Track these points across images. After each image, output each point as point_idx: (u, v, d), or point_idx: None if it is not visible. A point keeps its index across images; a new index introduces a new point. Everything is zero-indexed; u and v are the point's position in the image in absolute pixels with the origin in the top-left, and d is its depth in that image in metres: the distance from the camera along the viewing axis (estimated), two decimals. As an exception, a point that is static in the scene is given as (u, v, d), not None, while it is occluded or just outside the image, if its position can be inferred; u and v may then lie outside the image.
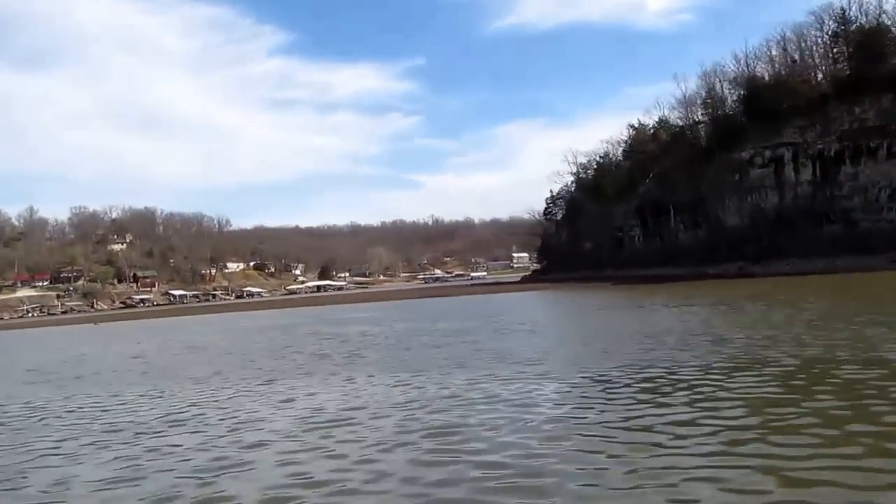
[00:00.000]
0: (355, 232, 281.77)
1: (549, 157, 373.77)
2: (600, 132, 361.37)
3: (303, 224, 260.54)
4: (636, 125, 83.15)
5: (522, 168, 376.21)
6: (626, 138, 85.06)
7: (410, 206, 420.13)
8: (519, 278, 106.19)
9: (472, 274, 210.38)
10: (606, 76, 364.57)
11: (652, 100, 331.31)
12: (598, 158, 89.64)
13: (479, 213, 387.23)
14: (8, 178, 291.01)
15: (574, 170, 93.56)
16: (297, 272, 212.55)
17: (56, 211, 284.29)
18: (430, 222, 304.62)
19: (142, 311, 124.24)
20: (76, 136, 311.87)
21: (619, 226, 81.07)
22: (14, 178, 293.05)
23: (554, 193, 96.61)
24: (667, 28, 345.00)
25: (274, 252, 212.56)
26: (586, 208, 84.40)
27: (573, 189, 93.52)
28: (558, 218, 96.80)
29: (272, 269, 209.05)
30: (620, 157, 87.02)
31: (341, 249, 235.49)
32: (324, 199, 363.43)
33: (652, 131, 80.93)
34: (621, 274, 73.22)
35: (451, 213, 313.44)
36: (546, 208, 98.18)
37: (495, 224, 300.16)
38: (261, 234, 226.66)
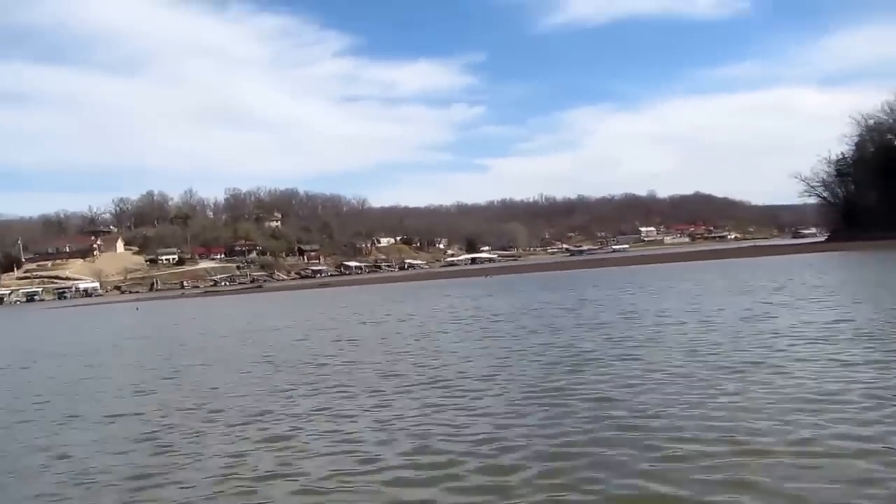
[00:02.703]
0: (462, 211, 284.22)
1: (619, 139, 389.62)
2: (672, 112, 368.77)
3: (410, 205, 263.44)
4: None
5: (592, 150, 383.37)
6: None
7: (480, 189, 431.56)
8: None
9: (614, 246, 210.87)
10: (666, 61, 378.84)
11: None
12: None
13: (565, 191, 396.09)
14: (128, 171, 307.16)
15: (861, 131, 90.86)
16: (441, 246, 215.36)
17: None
18: (539, 200, 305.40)
19: (358, 279, 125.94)
20: (171, 134, 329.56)
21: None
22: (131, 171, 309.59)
23: (845, 155, 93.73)
24: (721, 16, 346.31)
25: (415, 228, 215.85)
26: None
27: (866, 149, 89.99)
28: (851, 178, 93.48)
29: (418, 244, 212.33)
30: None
31: (464, 225, 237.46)
32: (397, 184, 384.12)
33: None
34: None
35: (550, 191, 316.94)
36: (838, 170, 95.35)
37: (610, 201, 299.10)
38: (382, 213, 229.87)
